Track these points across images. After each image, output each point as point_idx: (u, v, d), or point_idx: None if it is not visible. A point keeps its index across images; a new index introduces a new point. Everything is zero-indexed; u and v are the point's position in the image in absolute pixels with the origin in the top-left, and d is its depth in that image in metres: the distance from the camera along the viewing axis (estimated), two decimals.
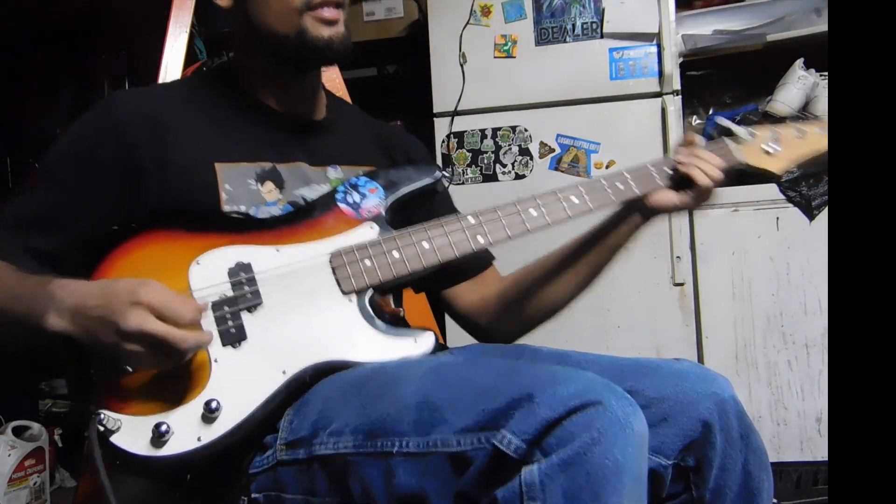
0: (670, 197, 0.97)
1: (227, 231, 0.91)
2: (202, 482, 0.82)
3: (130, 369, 0.78)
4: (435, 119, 2.13)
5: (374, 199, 0.97)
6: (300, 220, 0.94)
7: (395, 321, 0.93)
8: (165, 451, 0.77)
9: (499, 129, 2.10)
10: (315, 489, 0.80)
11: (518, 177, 2.09)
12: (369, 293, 0.90)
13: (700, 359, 1.98)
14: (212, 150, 0.96)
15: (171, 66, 1.62)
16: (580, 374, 0.70)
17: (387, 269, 0.90)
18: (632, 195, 0.97)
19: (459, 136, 2.12)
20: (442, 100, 2.12)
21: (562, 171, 2.06)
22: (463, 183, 2.11)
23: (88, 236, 0.91)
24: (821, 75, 2.07)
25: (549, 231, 0.98)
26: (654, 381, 0.84)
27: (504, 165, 2.10)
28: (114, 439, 0.77)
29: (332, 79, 1.83)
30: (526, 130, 2.09)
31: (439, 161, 2.13)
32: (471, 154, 2.11)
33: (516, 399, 0.67)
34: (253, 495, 0.84)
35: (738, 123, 1.02)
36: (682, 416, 0.82)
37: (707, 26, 2.15)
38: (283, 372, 0.84)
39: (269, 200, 0.96)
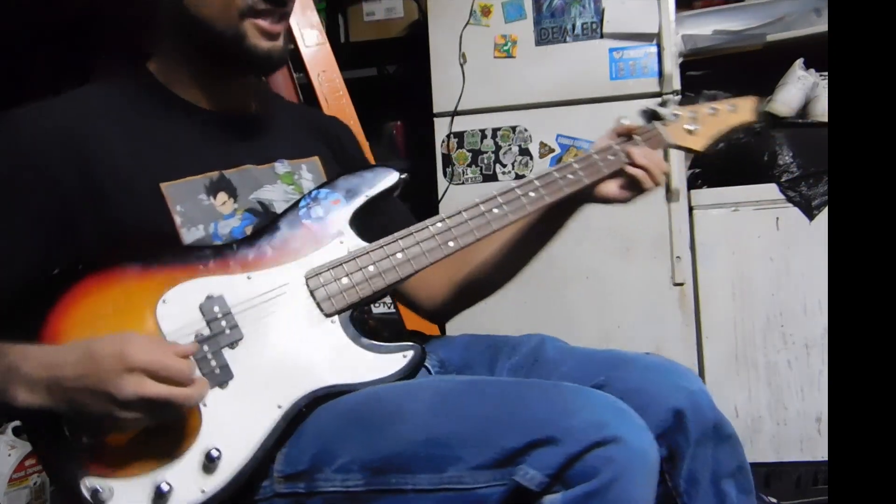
0: (615, 191, 1.00)
1: (190, 261, 0.84)
2: None
3: (122, 433, 0.73)
4: (435, 119, 2.13)
5: (339, 211, 0.92)
6: (266, 241, 0.88)
7: (380, 330, 0.92)
8: None
9: (499, 129, 2.10)
10: None
11: (518, 177, 2.09)
12: (350, 312, 0.87)
13: (700, 359, 1.98)
14: (152, 168, 0.87)
15: None
16: (593, 401, 0.71)
17: (365, 285, 0.88)
18: (581, 185, 0.98)
19: (459, 136, 2.12)
20: (442, 100, 2.11)
21: None
22: (463, 183, 2.11)
23: (11, 292, 0.79)
24: (821, 75, 2.07)
25: None
26: (627, 373, 0.86)
27: (504, 165, 2.10)
28: None
29: (333, 79, 1.83)
30: (526, 130, 2.09)
31: (439, 161, 2.13)
32: (471, 154, 2.11)
33: (535, 439, 0.68)
34: None
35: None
36: (655, 405, 0.82)
37: (707, 26, 2.15)
38: (279, 406, 0.80)
39: (226, 213, 0.90)
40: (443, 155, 2.14)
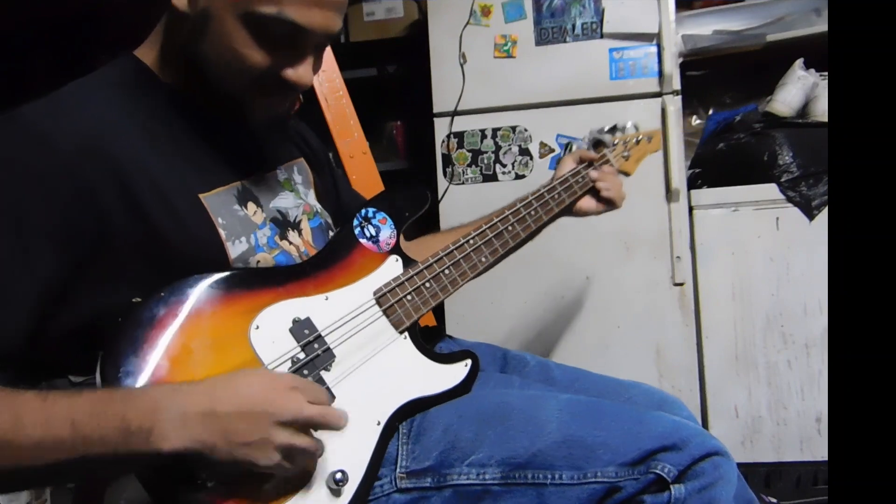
0: (592, 206, 1.23)
1: (267, 285, 0.83)
2: None
3: (270, 465, 0.70)
4: (435, 119, 2.13)
5: (388, 230, 0.99)
6: (331, 261, 0.92)
7: (430, 338, 1.01)
8: None
9: (499, 129, 2.10)
10: None
11: (518, 177, 2.09)
12: (415, 326, 0.95)
13: (700, 359, 1.99)
14: (187, 179, 0.83)
15: None
16: (689, 424, 0.89)
17: (427, 302, 0.96)
18: (564, 204, 1.19)
19: (459, 136, 2.12)
20: (442, 100, 2.11)
21: None
22: (463, 183, 2.11)
23: (32, 312, 0.72)
24: (821, 75, 2.07)
25: None
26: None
27: (504, 165, 2.10)
28: None
29: (333, 79, 1.83)
30: (526, 130, 2.09)
31: (439, 161, 2.13)
32: (471, 154, 2.11)
33: (666, 445, 0.85)
34: None
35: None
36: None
37: (707, 26, 2.15)
38: (378, 423, 0.85)
39: (259, 223, 0.89)
40: (443, 155, 2.13)
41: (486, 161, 2.11)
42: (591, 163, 1.23)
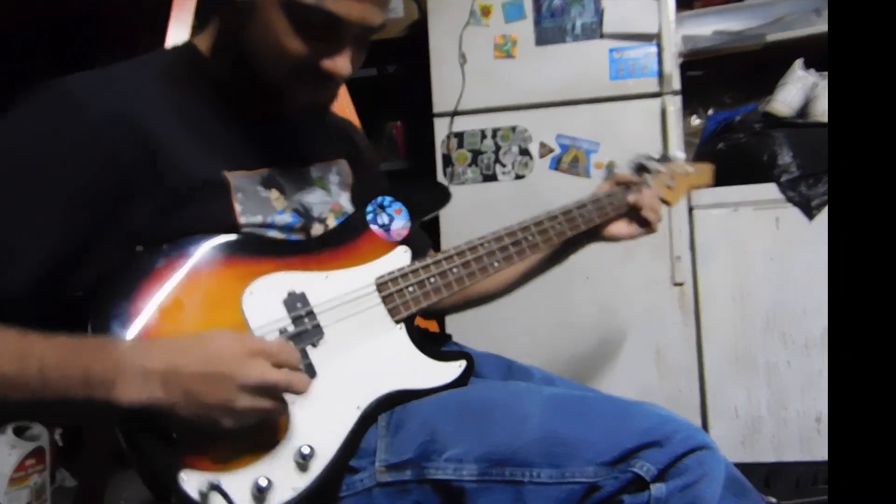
0: (624, 230, 1.18)
1: (271, 254, 0.85)
2: None
3: (230, 429, 0.72)
4: (435, 119, 2.13)
5: (402, 221, 0.97)
6: (338, 242, 0.93)
7: (431, 338, 0.99)
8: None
9: (499, 129, 2.10)
10: None
11: (518, 177, 2.09)
12: (412, 319, 0.93)
13: (700, 359, 1.99)
14: (216, 157, 0.86)
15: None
16: (678, 419, 0.85)
17: (428, 296, 0.94)
18: (593, 224, 1.13)
19: (459, 136, 2.12)
20: (442, 100, 2.12)
21: (562, 172, 2.07)
22: (463, 183, 2.11)
23: (51, 272, 0.76)
24: (821, 75, 2.07)
25: None
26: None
27: (504, 165, 2.10)
28: (215, 500, 0.72)
29: None
30: (526, 130, 2.09)
31: (439, 161, 2.13)
32: (471, 154, 2.11)
33: (647, 442, 0.81)
34: None
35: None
36: None
37: (707, 27, 2.15)
38: (358, 407, 0.84)
39: (279, 209, 0.91)
40: (443, 155, 2.14)
41: (486, 161, 2.11)
42: (629, 186, 1.18)
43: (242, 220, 0.86)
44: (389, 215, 0.97)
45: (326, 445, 0.80)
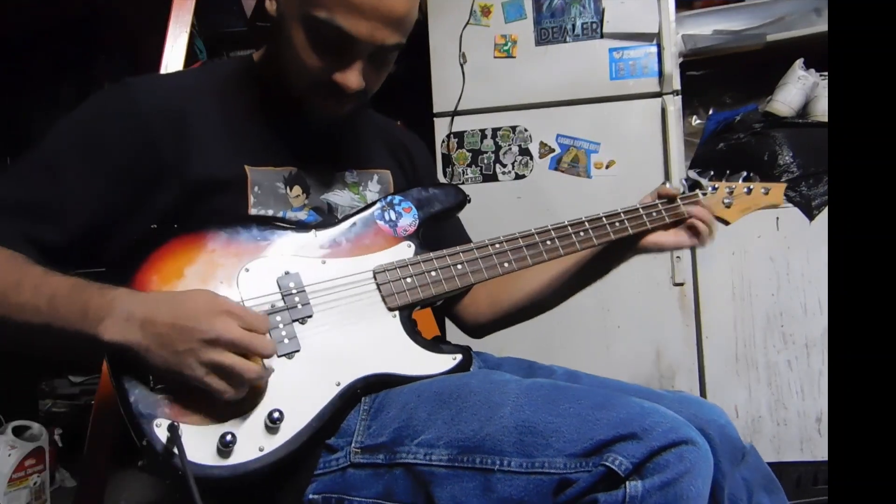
0: (670, 239, 1.11)
1: (274, 238, 0.91)
2: (256, 491, 0.83)
3: (198, 379, 0.76)
4: (435, 119, 2.13)
5: (409, 218, 1.00)
6: (342, 233, 0.96)
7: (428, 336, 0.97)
8: (229, 461, 0.77)
9: (499, 129, 2.10)
10: (392, 494, 0.83)
11: (518, 177, 2.09)
12: (409, 310, 0.94)
13: (700, 359, 1.99)
14: (241, 151, 0.94)
15: (171, 67, 1.62)
16: (663, 411, 0.80)
17: (427, 287, 0.95)
18: (625, 234, 1.08)
19: (459, 136, 2.12)
20: (442, 100, 2.12)
21: (562, 171, 2.07)
22: (463, 183, 2.11)
23: (92, 231, 0.88)
24: (821, 75, 2.07)
25: None
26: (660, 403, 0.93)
27: (504, 165, 2.10)
28: (175, 450, 0.75)
29: None
30: (526, 130, 2.09)
31: (439, 161, 2.13)
32: (471, 154, 2.11)
33: (622, 434, 0.76)
34: (310, 496, 0.85)
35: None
36: None
37: (707, 26, 2.15)
38: (338, 383, 0.86)
39: (296, 206, 0.97)
40: (443, 155, 2.14)
41: (486, 161, 2.11)
42: (672, 199, 1.12)
43: (253, 212, 0.93)
44: (397, 212, 1.00)
45: (298, 414, 0.82)
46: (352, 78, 0.90)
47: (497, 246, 1.01)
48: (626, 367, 2.00)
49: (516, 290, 1.17)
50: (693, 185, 1.23)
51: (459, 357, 0.94)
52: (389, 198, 1.01)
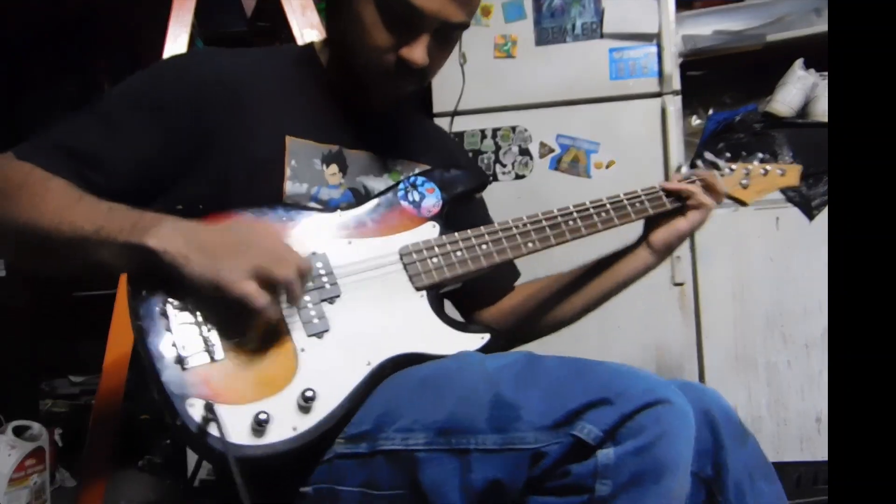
0: (680, 223, 1.10)
1: (300, 219, 0.92)
2: (285, 472, 0.83)
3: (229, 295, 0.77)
4: (435, 119, 2.12)
5: (433, 199, 1.01)
6: (367, 214, 0.97)
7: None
8: (264, 440, 0.76)
9: (499, 129, 2.10)
10: (376, 482, 0.82)
11: (518, 177, 2.09)
12: (436, 290, 0.94)
13: (700, 359, 1.98)
14: (284, 122, 0.97)
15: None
16: (641, 373, 0.77)
17: (452, 267, 0.95)
18: (646, 214, 1.09)
19: (459, 136, 2.12)
20: (442, 100, 2.11)
21: (562, 171, 2.06)
22: None
23: (135, 186, 0.90)
24: (821, 75, 2.07)
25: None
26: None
27: (504, 165, 2.10)
28: (212, 429, 0.75)
29: None
30: (526, 130, 2.09)
31: None
32: (471, 154, 2.11)
33: (592, 400, 0.73)
34: (302, 488, 0.85)
35: (721, 154, 1.24)
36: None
37: (707, 27, 2.15)
38: (368, 363, 0.85)
39: (332, 183, 0.99)
40: None
41: (486, 161, 2.11)
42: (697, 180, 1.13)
43: (288, 184, 0.95)
44: (421, 193, 1.00)
45: (331, 393, 0.81)
46: (418, 53, 0.92)
47: (521, 226, 1.00)
48: None
49: (537, 294, 1.17)
50: (711, 166, 1.21)
51: (488, 336, 0.93)
52: (412, 178, 1.02)
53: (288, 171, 0.95)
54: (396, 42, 0.93)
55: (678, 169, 1.20)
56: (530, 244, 1.00)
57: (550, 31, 2.06)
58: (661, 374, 1.98)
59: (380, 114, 1.05)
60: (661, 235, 1.10)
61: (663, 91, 1.99)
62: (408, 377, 0.86)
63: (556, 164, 2.07)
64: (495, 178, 2.10)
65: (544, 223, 1.01)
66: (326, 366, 0.83)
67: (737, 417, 0.90)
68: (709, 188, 1.11)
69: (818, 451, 1.90)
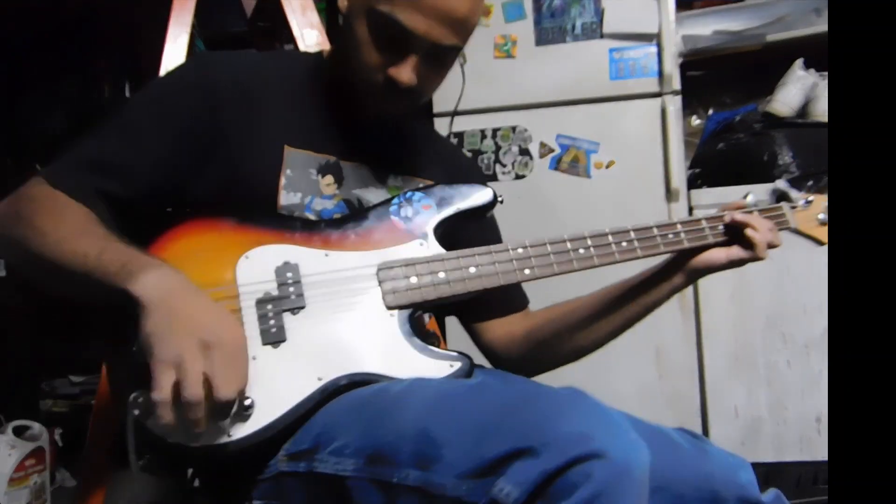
0: (719, 255, 1.00)
1: (279, 227, 0.91)
2: (220, 477, 0.83)
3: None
4: (435, 119, 2.13)
5: (426, 216, 0.96)
6: (351, 227, 0.94)
7: (432, 340, 0.92)
8: (196, 442, 0.76)
9: (499, 129, 2.10)
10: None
11: (518, 177, 2.09)
12: (410, 311, 0.90)
13: (700, 359, 1.98)
14: (284, 131, 0.97)
15: (171, 67, 1.62)
16: (584, 411, 0.67)
17: (431, 289, 0.90)
18: (681, 248, 0.99)
19: (459, 136, 2.12)
20: (442, 100, 2.11)
21: (562, 171, 2.06)
22: None
23: (158, 189, 0.92)
24: (821, 75, 2.07)
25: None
26: (677, 460, 0.84)
27: (504, 165, 2.10)
28: (148, 423, 0.74)
29: None
30: (526, 130, 2.09)
31: None
32: (471, 154, 2.11)
33: (516, 448, 0.64)
34: (253, 502, 0.83)
35: (793, 184, 1.07)
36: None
37: (707, 26, 2.15)
38: (319, 378, 0.83)
39: (326, 193, 0.98)
40: None
41: (485, 161, 2.11)
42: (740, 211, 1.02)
43: (282, 194, 0.94)
44: (415, 209, 0.96)
45: (273, 404, 0.80)
46: (404, 73, 0.91)
47: (520, 251, 0.94)
48: (625, 367, 1.99)
49: (553, 322, 1.08)
50: (780, 197, 1.06)
51: (458, 365, 0.87)
52: (409, 194, 0.98)
53: (283, 181, 0.95)
54: (386, 61, 0.92)
55: (745, 196, 1.07)
56: (527, 270, 0.94)
57: (550, 31, 2.06)
58: (661, 374, 1.98)
59: (382, 127, 1.04)
60: (701, 260, 1.01)
61: (663, 91, 1.99)
62: (352, 397, 0.82)
63: (556, 164, 2.07)
64: (495, 178, 2.10)
65: (549, 249, 0.95)
66: (275, 377, 0.81)
67: (754, 493, 0.83)
68: (744, 231, 0.98)
69: (818, 451, 1.90)
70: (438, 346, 0.91)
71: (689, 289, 1.99)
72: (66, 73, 2.65)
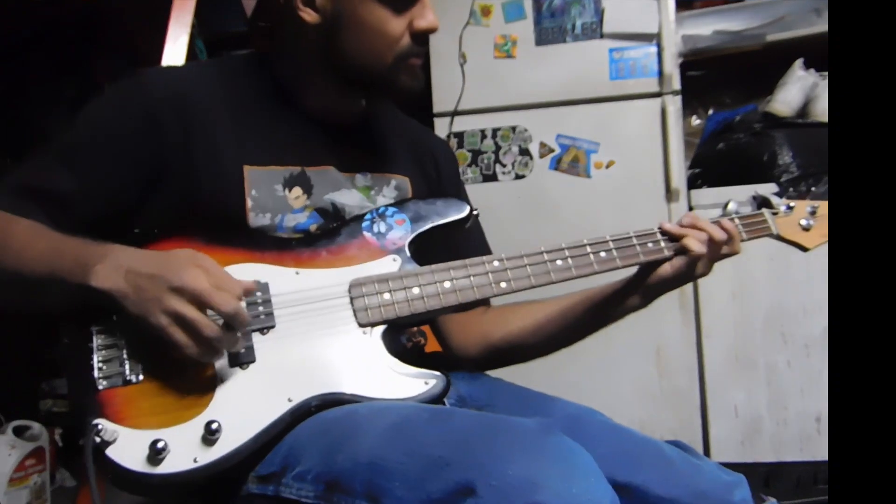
0: (665, 268, 0.96)
1: (249, 247, 0.88)
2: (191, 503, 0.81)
3: (166, 337, 0.75)
4: (435, 119, 2.13)
5: (400, 231, 0.94)
6: (323, 244, 0.92)
7: (412, 352, 0.91)
8: (160, 469, 0.74)
9: (499, 129, 2.10)
10: None
11: (518, 177, 2.09)
12: (384, 328, 0.88)
13: (700, 359, 1.99)
14: (241, 150, 0.92)
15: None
16: (541, 451, 0.65)
17: (405, 305, 0.88)
18: (662, 256, 0.96)
19: (459, 136, 2.12)
20: (442, 100, 2.12)
21: (562, 172, 2.07)
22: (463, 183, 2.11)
23: (102, 216, 0.90)
24: (821, 75, 2.07)
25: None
26: (668, 478, 0.81)
27: (504, 165, 2.10)
28: (109, 451, 0.74)
29: None
30: (526, 130, 2.09)
31: None
32: (471, 154, 2.11)
33: (461, 486, 0.62)
34: None
35: (779, 192, 1.04)
36: None
37: (707, 26, 2.15)
38: (289, 399, 0.81)
39: (296, 207, 0.94)
40: None
41: (485, 161, 2.11)
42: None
43: (251, 216, 0.91)
44: (388, 224, 0.94)
45: (241, 427, 0.78)
46: (429, 16, 0.93)
47: (496, 264, 0.91)
48: (626, 367, 2.00)
49: (510, 324, 1.07)
50: (762, 204, 1.01)
51: (433, 382, 0.84)
52: (382, 209, 0.95)
53: (249, 203, 0.91)
54: (409, 21, 0.92)
55: (725, 205, 1.03)
56: (503, 284, 0.91)
57: (550, 31, 2.06)
58: (661, 374, 1.98)
59: (345, 125, 1.01)
60: (651, 280, 0.98)
61: (663, 91, 1.99)
62: (319, 419, 0.80)
63: (556, 164, 2.07)
64: (495, 179, 2.10)
65: (525, 261, 0.92)
66: (243, 399, 0.79)
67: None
68: (711, 238, 0.93)
69: (818, 451, 1.90)
70: (425, 346, 0.90)
71: (690, 288, 1.99)
72: (66, 74, 2.65)
